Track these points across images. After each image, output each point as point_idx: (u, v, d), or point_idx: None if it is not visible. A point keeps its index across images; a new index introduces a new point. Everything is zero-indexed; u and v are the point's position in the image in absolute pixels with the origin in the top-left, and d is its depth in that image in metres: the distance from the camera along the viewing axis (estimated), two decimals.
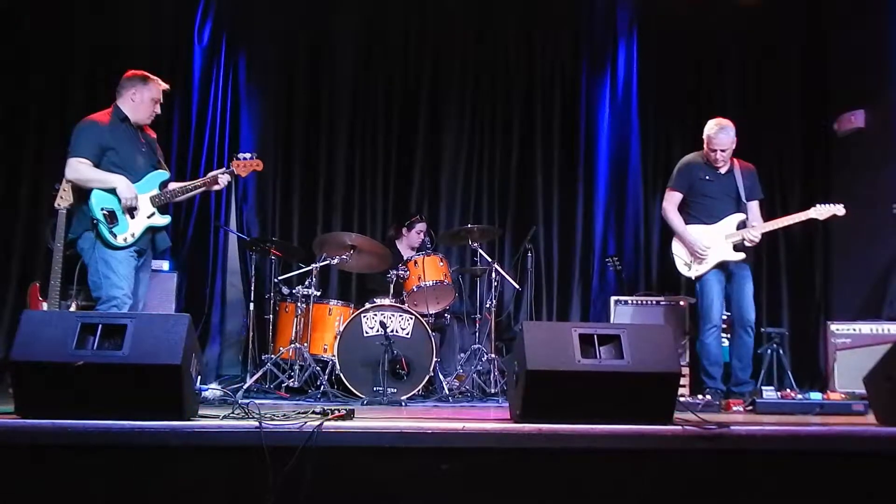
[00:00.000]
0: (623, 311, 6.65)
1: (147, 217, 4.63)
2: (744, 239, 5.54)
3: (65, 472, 2.85)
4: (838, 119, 7.29)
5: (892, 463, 3.10)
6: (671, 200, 5.80)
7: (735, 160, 5.73)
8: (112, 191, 4.50)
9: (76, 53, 7.02)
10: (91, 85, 6.87)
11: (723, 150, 5.59)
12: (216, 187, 5.00)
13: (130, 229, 4.54)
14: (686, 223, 5.72)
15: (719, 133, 5.58)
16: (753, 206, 5.72)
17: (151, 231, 4.68)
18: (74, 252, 4.60)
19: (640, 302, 6.75)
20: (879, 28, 6.91)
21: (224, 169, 5.00)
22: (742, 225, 5.61)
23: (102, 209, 4.47)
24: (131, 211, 4.55)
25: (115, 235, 4.48)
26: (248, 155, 5.12)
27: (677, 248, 5.78)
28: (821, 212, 5.56)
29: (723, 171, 5.69)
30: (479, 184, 7.76)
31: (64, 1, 7.00)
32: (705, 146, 5.68)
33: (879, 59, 6.91)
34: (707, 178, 5.69)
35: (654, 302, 6.74)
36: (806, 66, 7.75)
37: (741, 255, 5.58)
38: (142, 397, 3.08)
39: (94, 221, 4.45)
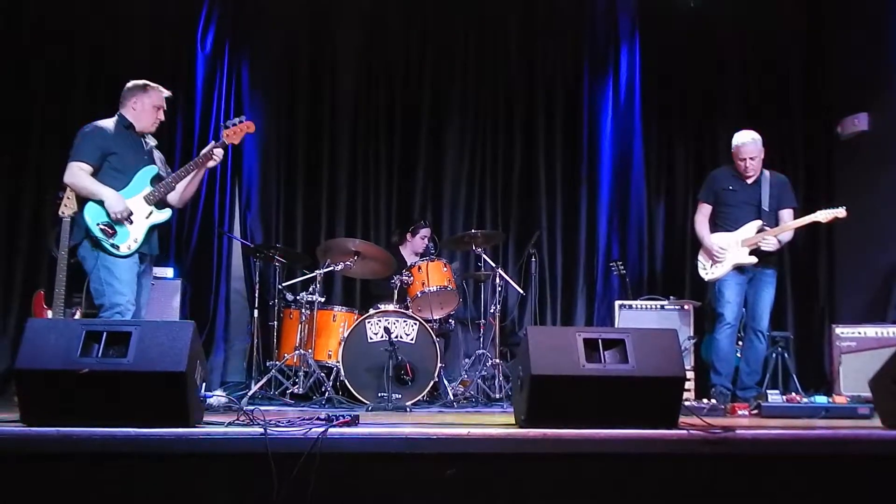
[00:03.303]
0: (627, 316, 6.65)
1: (146, 217, 4.56)
2: (759, 244, 5.58)
3: (70, 480, 2.85)
4: (841, 122, 7.28)
5: None
6: (699, 212, 5.96)
7: (767, 171, 5.82)
8: (102, 203, 4.44)
9: (77, 63, 7.04)
10: (93, 95, 6.88)
11: (751, 159, 5.69)
12: (211, 163, 4.80)
13: (133, 235, 4.48)
14: (712, 232, 5.83)
15: (747, 143, 5.70)
16: (785, 215, 5.76)
17: (154, 230, 4.63)
18: (77, 259, 4.57)
19: (644, 306, 6.75)
20: (882, 30, 6.89)
21: (215, 143, 4.80)
22: (761, 231, 5.65)
23: (98, 224, 4.40)
24: (126, 220, 4.49)
25: (118, 247, 4.42)
26: (236, 120, 4.89)
27: (700, 254, 5.91)
28: (824, 215, 5.60)
29: (750, 181, 5.76)
30: (482, 188, 7.76)
31: (65, 11, 7.02)
32: (734, 157, 5.78)
33: (882, 62, 6.88)
34: (731, 187, 5.79)
35: (658, 306, 6.73)
36: (808, 68, 7.74)
37: (754, 259, 5.62)
38: (147, 404, 3.08)
39: (95, 239, 4.39)
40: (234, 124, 4.85)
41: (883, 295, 6.69)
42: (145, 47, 7.13)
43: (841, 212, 5.58)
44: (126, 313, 4.36)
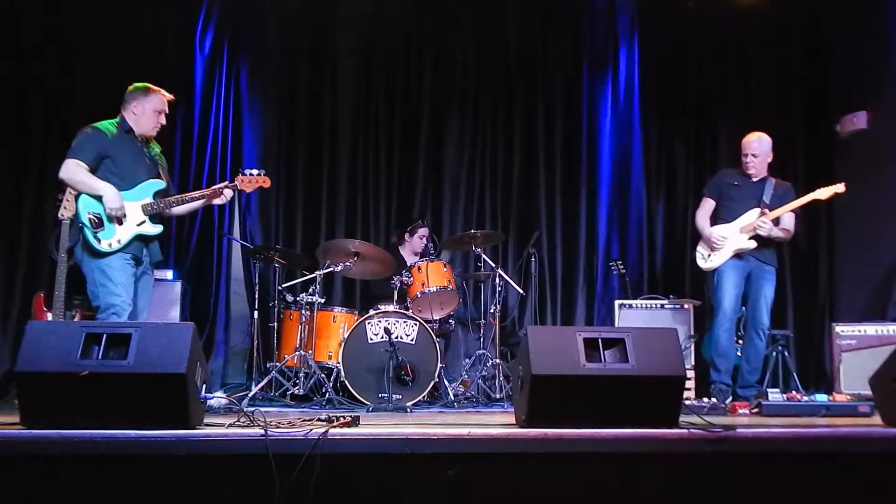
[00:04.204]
0: (628, 315, 6.65)
1: (137, 224, 4.57)
2: (756, 228, 5.61)
3: (70, 482, 2.85)
4: (840, 120, 7.29)
5: None
6: (702, 206, 6.04)
7: (772, 177, 5.90)
8: (100, 199, 4.48)
9: (77, 64, 7.04)
10: (93, 96, 6.86)
11: (753, 156, 5.79)
12: (218, 201, 4.92)
13: (117, 235, 4.49)
14: (712, 226, 5.89)
15: (752, 140, 5.83)
16: (785, 218, 5.81)
17: (142, 239, 4.63)
18: (75, 262, 4.59)
19: (644, 305, 6.75)
20: (880, 28, 6.90)
21: (227, 183, 4.92)
22: (760, 217, 5.70)
23: (88, 213, 4.46)
24: (119, 221, 4.52)
25: (99, 240, 4.44)
26: (255, 171, 4.97)
27: (699, 246, 5.97)
28: (824, 192, 5.68)
29: (754, 180, 5.83)
30: (481, 188, 7.76)
31: (63, 13, 7.02)
32: (740, 153, 5.88)
33: (881, 60, 6.90)
34: (735, 183, 5.89)
35: (658, 305, 6.73)
36: (807, 67, 7.74)
37: (754, 244, 5.68)
38: (147, 406, 3.08)
39: (80, 225, 4.45)
40: (252, 174, 4.96)
41: (883, 293, 6.71)
42: (144, 49, 7.13)
43: (840, 187, 5.67)
44: (122, 314, 4.39)
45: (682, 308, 6.67)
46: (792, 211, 5.75)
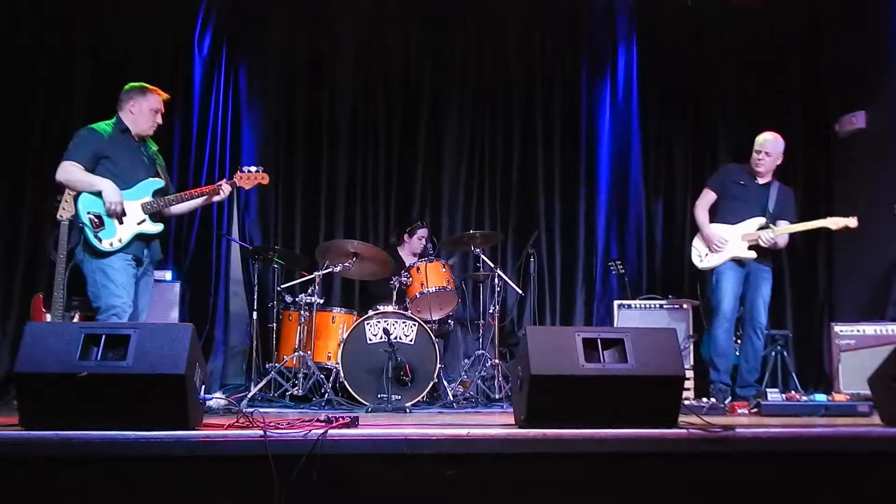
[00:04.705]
0: (627, 315, 6.66)
1: (137, 223, 4.58)
2: (759, 239, 5.61)
3: (69, 483, 2.84)
4: (839, 120, 7.29)
5: None
6: (703, 197, 6.03)
7: (778, 181, 5.91)
8: (99, 195, 4.49)
9: (76, 65, 7.04)
10: (92, 97, 6.86)
11: (767, 154, 5.79)
12: (217, 198, 4.94)
13: (118, 234, 4.51)
14: (711, 222, 5.89)
15: (768, 139, 5.84)
16: (782, 225, 5.80)
17: (143, 239, 4.64)
18: (76, 263, 4.59)
19: (643, 305, 6.76)
20: (880, 28, 6.90)
21: (226, 180, 4.94)
22: (762, 228, 5.68)
23: (88, 213, 4.46)
24: (118, 217, 4.52)
25: (100, 240, 4.45)
26: (253, 168, 5.03)
27: (697, 241, 5.98)
28: (835, 222, 5.70)
29: (760, 181, 5.84)
30: (480, 189, 7.75)
31: (63, 14, 7.01)
32: (753, 150, 5.87)
33: (880, 60, 6.90)
34: (741, 182, 5.88)
35: (657, 305, 6.74)
36: (806, 66, 7.74)
37: (753, 255, 5.67)
38: (146, 407, 3.08)
39: (80, 225, 4.46)
40: (250, 171, 5.02)
41: (882, 292, 6.71)
42: (143, 50, 7.13)
43: (852, 221, 5.66)
44: (123, 315, 4.39)
45: (680, 308, 6.68)
46: (793, 225, 5.77)
